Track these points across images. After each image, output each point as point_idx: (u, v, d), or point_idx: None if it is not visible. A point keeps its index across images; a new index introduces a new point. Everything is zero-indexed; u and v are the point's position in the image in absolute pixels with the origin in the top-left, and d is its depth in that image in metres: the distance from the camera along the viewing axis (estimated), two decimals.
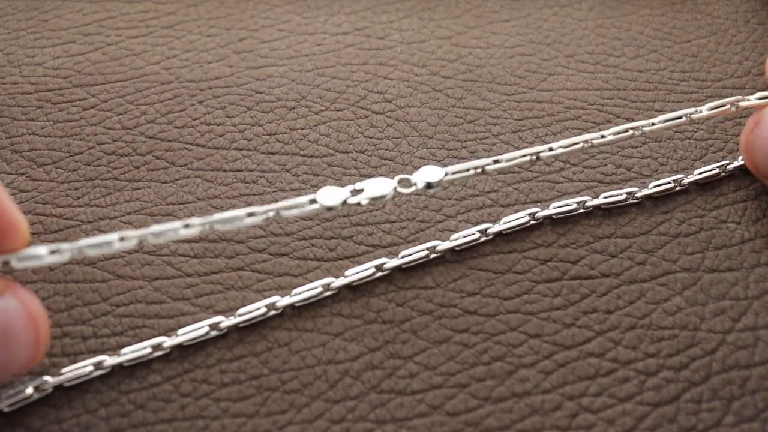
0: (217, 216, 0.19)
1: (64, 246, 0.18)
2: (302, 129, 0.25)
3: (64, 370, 0.20)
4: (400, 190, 0.21)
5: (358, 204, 0.20)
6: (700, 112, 0.23)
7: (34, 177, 0.24)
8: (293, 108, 0.26)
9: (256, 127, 0.25)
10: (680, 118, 0.23)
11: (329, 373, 0.20)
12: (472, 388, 0.20)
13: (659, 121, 0.23)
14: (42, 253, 0.18)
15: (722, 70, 0.27)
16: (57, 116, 0.25)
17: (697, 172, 0.24)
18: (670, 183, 0.24)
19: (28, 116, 0.25)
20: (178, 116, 0.26)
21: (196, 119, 0.26)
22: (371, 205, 0.22)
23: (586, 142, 0.22)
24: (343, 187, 0.21)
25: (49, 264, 0.19)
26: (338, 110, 0.26)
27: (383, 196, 0.21)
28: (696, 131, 0.26)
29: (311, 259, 0.23)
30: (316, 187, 0.24)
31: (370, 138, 0.25)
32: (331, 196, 0.20)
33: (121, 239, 0.19)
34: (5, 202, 0.18)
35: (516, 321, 0.21)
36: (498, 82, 0.27)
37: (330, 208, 0.20)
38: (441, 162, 0.25)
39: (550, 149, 0.22)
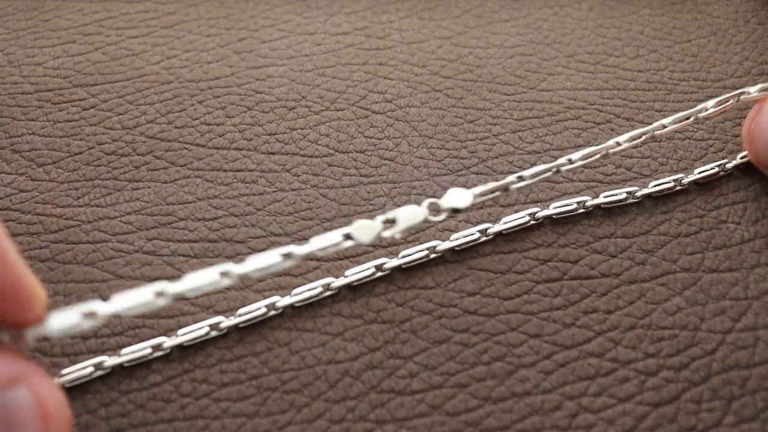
0: (253, 264, 0.18)
1: (100, 309, 0.17)
2: (302, 129, 0.25)
3: (64, 371, 0.20)
4: (431, 218, 0.20)
5: (392, 237, 0.20)
6: (707, 110, 0.23)
7: (34, 177, 0.24)
8: (293, 108, 0.26)
9: (256, 127, 0.25)
10: (688, 118, 0.23)
11: (329, 373, 0.20)
12: (472, 388, 0.20)
13: (669, 123, 0.23)
14: (74, 320, 0.17)
15: (722, 70, 0.27)
16: (57, 116, 0.25)
17: (696, 171, 0.24)
18: (670, 183, 0.24)
19: (28, 116, 0.25)
20: (178, 116, 0.26)
21: (196, 119, 0.26)
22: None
23: (602, 152, 0.22)
24: (372, 219, 0.21)
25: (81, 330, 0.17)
26: (338, 110, 0.26)
27: (415, 225, 0.20)
28: (696, 131, 0.26)
29: (311, 259, 0.22)
30: (316, 187, 0.24)
31: (370, 138, 0.25)
32: (365, 231, 0.20)
33: (159, 294, 0.18)
34: (22, 271, 0.17)
35: (516, 321, 0.21)
36: (498, 82, 0.27)
37: (366, 245, 0.20)
38: (441, 162, 0.25)
39: (570, 161, 0.22)
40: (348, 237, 0.19)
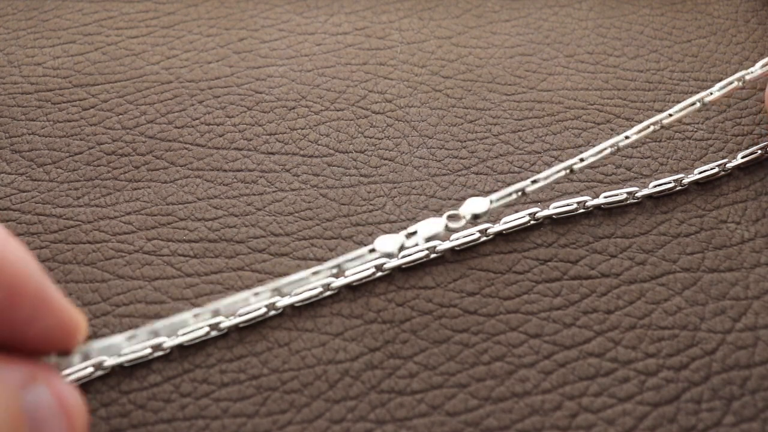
0: (285, 280, 0.19)
1: (140, 331, 0.18)
2: (302, 129, 0.25)
3: (64, 371, 0.20)
4: (451, 226, 0.21)
5: (416, 245, 0.21)
6: (711, 94, 0.23)
7: (34, 177, 0.24)
8: (293, 108, 0.26)
9: (256, 127, 0.25)
10: (694, 104, 0.23)
11: (329, 373, 0.20)
12: (472, 388, 0.20)
13: (676, 111, 0.23)
14: (118, 341, 0.17)
15: (722, 70, 0.27)
16: (57, 116, 0.25)
17: (697, 171, 0.24)
18: (670, 183, 0.24)
19: (28, 116, 0.25)
20: (178, 116, 0.26)
21: (196, 119, 0.26)
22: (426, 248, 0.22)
23: (613, 146, 0.22)
24: (396, 233, 0.21)
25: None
26: (338, 110, 0.26)
27: (436, 235, 0.20)
28: (696, 131, 0.26)
29: (311, 259, 0.22)
30: (316, 187, 0.24)
31: (370, 138, 0.25)
32: (388, 243, 0.20)
33: (196, 316, 0.18)
34: (65, 306, 0.17)
35: (516, 321, 0.21)
36: (498, 82, 0.27)
37: (390, 255, 0.20)
38: (441, 162, 0.25)
39: (581, 160, 0.22)
40: (372, 251, 0.20)
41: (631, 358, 0.21)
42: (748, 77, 0.23)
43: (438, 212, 0.24)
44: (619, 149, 0.22)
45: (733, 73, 0.27)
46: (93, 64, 0.27)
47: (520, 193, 0.21)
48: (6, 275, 0.16)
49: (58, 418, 0.17)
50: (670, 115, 0.23)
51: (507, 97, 0.26)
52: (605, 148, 0.22)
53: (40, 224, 0.23)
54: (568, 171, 0.22)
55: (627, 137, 0.22)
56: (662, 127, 0.23)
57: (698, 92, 0.27)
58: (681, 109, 0.23)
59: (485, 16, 0.29)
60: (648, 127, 0.23)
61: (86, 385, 0.20)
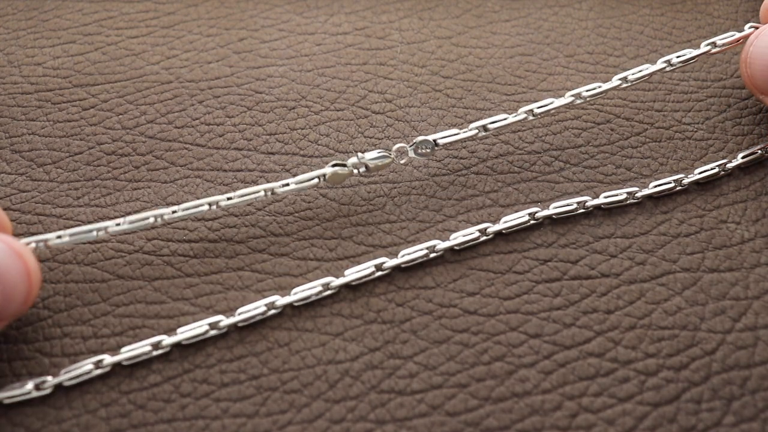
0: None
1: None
2: (302, 129, 0.25)
3: (63, 370, 0.20)
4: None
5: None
6: (716, 45, 0.25)
7: (34, 177, 0.24)
8: (293, 108, 0.26)
9: (256, 127, 0.25)
10: (695, 57, 0.25)
11: (329, 373, 0.20)
12: (472, 388, 0.20)
13: (678, 62, 0.25)
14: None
15: (722, 70, 0.27)
16: (57, 116, 0.25)
17: (697, 171, 0.24)
18: (670, 183, 0.24)
19: (28, 116, 0.25)
20: (178, 116, 0.26)
21: (196, 119, 0.26)
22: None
23: (608, 90, 0.24)
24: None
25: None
26: (338, 110, 0.26)
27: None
28: (696, 131, 0.26)
29: (311, 259, 0.22)
30: (316, 187, 0.24)
31: (370, 138, 0.25)
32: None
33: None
34: None
35: (516, 321, 0.21)
36: (498, 82, 0.27)
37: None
38: (441, 162, 0.25)
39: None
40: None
41: (631, 358, 0.21)
42: (720, 42, 0.25)
43: (438, 212, 0.24)
44: (629, 82, 0.24)
45: (733, 73, 0.27)
46: (93, 64, 0.27)
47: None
48: None
49: (15, 260, 0.19)
50: (671, 63, 0.25)
51: (507, 97, 0.26)
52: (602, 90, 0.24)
53: (40, 224, 0.23)
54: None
55: (626, 79, 0.25)
56: (662, 71, 0.25)
57: (698, 92, 0.27)
58: (680, 57, 0.25)
59: (485, 16, 0.29)
60: (649, 76, 0.25)
61: (86, 386, 0.20)
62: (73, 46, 0.27)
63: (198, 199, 0.24)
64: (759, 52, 0.23)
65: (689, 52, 0.25)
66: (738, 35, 0.25)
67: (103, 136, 0.25)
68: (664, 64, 0.25)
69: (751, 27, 0.25)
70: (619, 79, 0.24)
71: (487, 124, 0.24)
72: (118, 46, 0.28)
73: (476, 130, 0.24)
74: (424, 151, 0.23)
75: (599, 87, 0.24)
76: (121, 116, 0.26)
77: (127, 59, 0.27)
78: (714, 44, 0.25)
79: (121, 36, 0.28)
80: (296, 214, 0.23)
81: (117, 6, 0.29)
